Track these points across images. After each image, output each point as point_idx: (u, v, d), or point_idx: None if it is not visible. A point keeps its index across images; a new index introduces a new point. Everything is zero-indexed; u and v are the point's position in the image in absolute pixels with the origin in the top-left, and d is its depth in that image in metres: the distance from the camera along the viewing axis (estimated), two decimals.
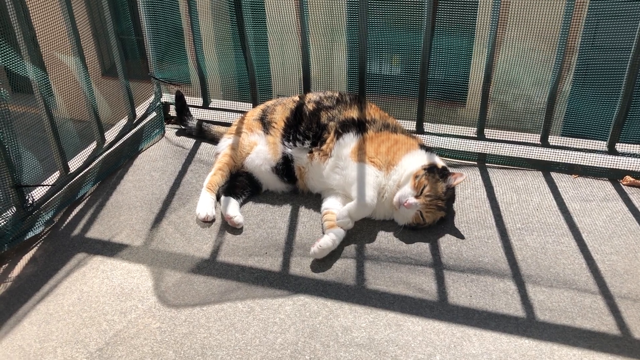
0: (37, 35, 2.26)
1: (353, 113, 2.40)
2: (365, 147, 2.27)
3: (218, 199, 2.39)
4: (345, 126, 2.34)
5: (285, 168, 2.42)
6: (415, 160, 2.23)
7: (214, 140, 2.78)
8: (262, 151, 2.46)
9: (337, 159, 2.29)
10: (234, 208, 2.30)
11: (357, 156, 2.24)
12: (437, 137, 2.78)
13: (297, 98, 2.57)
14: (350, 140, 2.30)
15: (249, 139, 2.50)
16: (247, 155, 2.47)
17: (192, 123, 2.97)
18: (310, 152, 2.36)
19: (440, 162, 2.29)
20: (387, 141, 2.28)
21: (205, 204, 2.33)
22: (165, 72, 3.02)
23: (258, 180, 2.48)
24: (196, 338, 1.75)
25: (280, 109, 2.52)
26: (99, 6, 2.64)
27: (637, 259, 2.07)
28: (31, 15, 2.22)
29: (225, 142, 2.57)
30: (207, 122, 2.98)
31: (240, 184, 2.44)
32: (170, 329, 1.78)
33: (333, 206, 2.26)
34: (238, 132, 2.55)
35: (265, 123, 2.51)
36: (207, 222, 2.29)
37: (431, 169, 2.18)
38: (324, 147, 2.34)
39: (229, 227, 2.26)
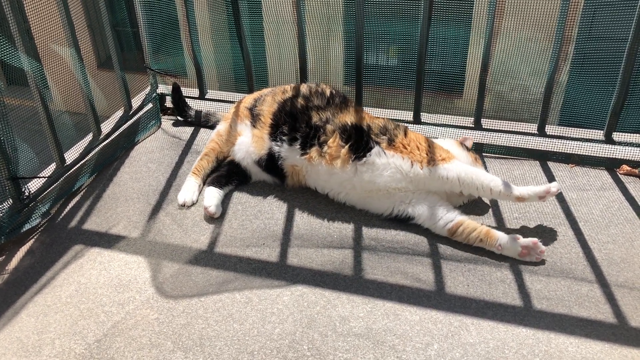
0: (31, 27, 2.25)
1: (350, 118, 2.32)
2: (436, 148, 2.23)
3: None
4: (356, 135, 2.23)
5: (267, 166, 2.38)
6: (451, 147, 2.34)
7: (216, 125, 2.75)
8: (244, 143, 2.43)
9: (381, 165, 2.17)
10: (211, 197, 2.29)
11: (437, 161, 2.16)
12: (434, 127, 2.78)
13: (288, 88, 2.49)
14: (381, 152, 2.19)
15: (236, 127, 2.49)
16: (233, 144, 2.47)
17: (192, 113, 2.98)
18: (305, 153, 2.26)
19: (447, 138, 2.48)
20: (419, 140, 2.25)
21: (186, 190, 2.38)
22: (161, 63, 3.01)
23: (246, 170, 2.47)
24: (194, 329, 1.75)
25: (270, 101, 2.43)
26: None
27: (634, 248, 2.08)
28: (26, 6, 2.21)
29: (217, 128, 2.60)
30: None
31: (226, 172, 2.44)
32: (169, 320, 1.78)
33: (452, 216, 2.12)
34: (228, 119, 2.55)
35: (254, 114, 2.44)
36: (185, 206, 2.33)
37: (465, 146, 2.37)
38: (329, 150, 2.22)
39: (227, 218, 2.26)
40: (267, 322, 1.77)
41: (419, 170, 2.15)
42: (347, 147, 2.20)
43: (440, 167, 2.14)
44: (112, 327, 1.76)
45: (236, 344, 1.69)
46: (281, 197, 2.40)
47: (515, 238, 2.00)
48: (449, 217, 2.12)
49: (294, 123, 2.29)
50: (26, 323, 1.79)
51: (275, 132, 2.33)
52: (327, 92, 2.40)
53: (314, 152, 2.25)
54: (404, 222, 2.21)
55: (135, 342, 1.70)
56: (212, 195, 2.31)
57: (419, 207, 2.18)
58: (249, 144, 2.41)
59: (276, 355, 1.65)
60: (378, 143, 2.21)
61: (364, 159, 2.18)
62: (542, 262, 1.99)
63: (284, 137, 2.30)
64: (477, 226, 2.07)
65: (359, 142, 2.20)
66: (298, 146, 2.27)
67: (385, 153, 2.18)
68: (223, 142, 2.50)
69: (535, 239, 1.99)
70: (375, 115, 2.42)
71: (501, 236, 2.02)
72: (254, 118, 2.43)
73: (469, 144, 2.45)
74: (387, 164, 2.18)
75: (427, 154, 2.19)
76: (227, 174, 2.43)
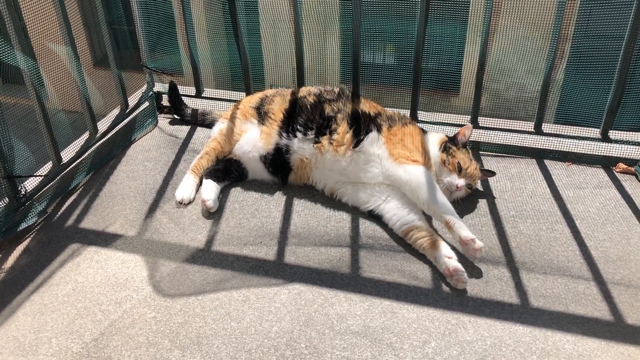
0: (27, 25, 2.24)
1: (363, 106, 2.39)
2: (406, 145, 2.25)
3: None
4: (361, 120, 2.31)
5: (273, 160, 2.40)
6: (431, 146, 2.34)
7: (213, 124, 2.75)
8: (251, 139, 2.44)
9: (369, 155, 2.25)
10: (209, 191, 2.31)
11: (406, 160, 2.19)
12: (431, 125, 2.78)
13: (295, 89, 2.54)
14: (375, 139, 2.26)
15: (240, 126, 2.50)
16: (236, 142, 2.48)
17: (189, 111, 2.98)
18: (317, 142, 2.32)
19: (438, 134, 2.43)
20: (409, 135, 2.29)
21: (184, 187, 2.38)
22: (157, 62, 3.01)
23: (245, 168, 2.48)
24: (192, 327, 1.75)
25: (279, 100, 2.49)
26: None
27: (630, 245, 2.08)
28: (21, 4, 2.20)
29: (217, 127, 2.60)
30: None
31: (225, 168, 2.46)
32: (166, 319, 1.78)
33: (409, 219, 2.12)
34: (231, 118, 2.55)
35: (261, 113, 2.48)
36: (182, 204, 2.33)
37: (447, 146, 2.31)
38: (337, 137, 2.29)
39: (224, 216, 2.26)
40: (264, 321, 1.77)
41: (388, 162, 2.21)
42: (351, 131, 2.28)
43: (402, 166, 2.18)
44: (109, 326, 1.75)
45: (234, 342, 1.69)
46: (278, 195, 2.40)
47: (445, 257, 1.93)
48: (405, 220, 2.13)
49: (308, 115, 2.36)
50: (23, 322, 1.78)
51: (286, 127, 2.38)
52: (337, 89, 2.49)
53: (325, 140, 2.31)
54: (377, 219, 2.24)
55: (132, 341, 1.70)
56: (210, 190, 2.32)
57: (389, 205, 2.20)
58: (257, 139, 2.43)
59: (274, 353, 1.65)
60: (380, 126, 2.28)
61: (360, 144, 2.25)
62: (465, 290, 1.89)
63: (299, 128, 2.35)
64: (426, 234, 2.05)
65: (362, 125, 2.28)
66: (312, 135, 2.33)
67: (379, 139, 2.26)
68: (225, 141, 2.50)
69: (455, 268, 1.88)
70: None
71: (440, 249, 1.97)
72: (262, 116, 2.47)
73: (468, 133, 2.39)
74: (373, 153, 2.25)
75: (402, 150, 2.22)
76: (225, 170, 2.44)
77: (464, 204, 2.30)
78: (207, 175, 2.40)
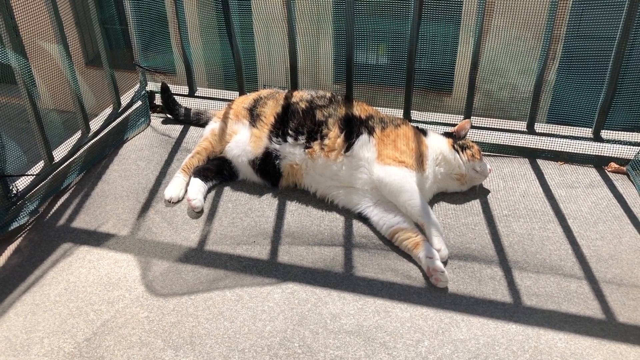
0: (19, 24, 2.23)
1: (353, 110, 2.39)
2: (394, 148, 2.24)
3: None
4: (352, 124, 2.30)
5: (262, 166, 2.38)
6: (439, 143, 2.36)
7: (207, 123, 2.73)
8: (241, 142, 2.43)
9: (359, 159, 2.24)
10: (196, 190, 2.31)
11: (392, 160, 2.19)
12: (424, 125, 2.79)
13: (288, 93, 2.53)
14: (365, 142, 2.25)
15: (232, 127, 2.49)
16: (227, 143, 2.47)
17: (182, 111, 2.97)
18: (308, 147, 2.29)
19: (434, 131, 2.51)
20: (403, 137, 2.29)
21: (173, 186, 2.38)
22: (150, 61, 2.99)
23: (236, 168, 2.47)
24: (185, 327, 1.74)
25: (272, 103, 2.46)
26: None
27: (622, 245, 2.09)
28: (12, 3, 2.18)
29: (210, 126, 2.59)
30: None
31: (216, 167, 2.45)
32: (159, 318, 1.77)
33: (395, 221, 2.12)
34: (223, 118, 2.54)
35: (254, 114, 2.46)
36: (171, 202, 2.33)
37: (460, 144, 2.37)
38: (328, 142, 2.27)
39: (217, 215, 2.26)
40: (258, 320, 1.76)
41: (374, 164, 2.21)
42: (342, 135, 2.26)
43: (384, 167, 2.18)
44: (102, 326, 1.75)
45: (227, 341, 1.69)
46: (272, 195, 2.40)
47: (429, 256, 1.94)
48: (391, 222, 2.13)
49: (300, 120, 2.33)
50: (14, 322, 1.77)
51: (277, 131, 2.35)
52: (328, 95, 2.47)
53: (316, 145, 2.28)
54: (366, 221, 2.23)
55: (125, 341, 1.69)
56: (197, 189, 2.32)
57: (377, 208, 2.20)
58: (246, 142, 2.41)
59: (267, 352, 1.65)
60: (372, 129, 2.28)
61: (351, 149, 2.24)
62: (446, 289, 1.91)
63: (290, 132, 2.32)
64: (411, 235, 2.05)
65: (352, 129, 2.27)
66: (303, 140, 2.30)
67: (369, 141, 2.25)
68: (217, 141, 2.50)
69: (435, 268, 1.90)
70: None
71: (423, 249, 1.98)
72: (254, 118, 2.44)
73: (468, 126, 2.46)
74: (363, 156, 2.24)
75: (393, 151, 2.22)
76: (216, 169, 2.44)
77: (460, 201, 2.30)
78: (195, 174, 2.40)
